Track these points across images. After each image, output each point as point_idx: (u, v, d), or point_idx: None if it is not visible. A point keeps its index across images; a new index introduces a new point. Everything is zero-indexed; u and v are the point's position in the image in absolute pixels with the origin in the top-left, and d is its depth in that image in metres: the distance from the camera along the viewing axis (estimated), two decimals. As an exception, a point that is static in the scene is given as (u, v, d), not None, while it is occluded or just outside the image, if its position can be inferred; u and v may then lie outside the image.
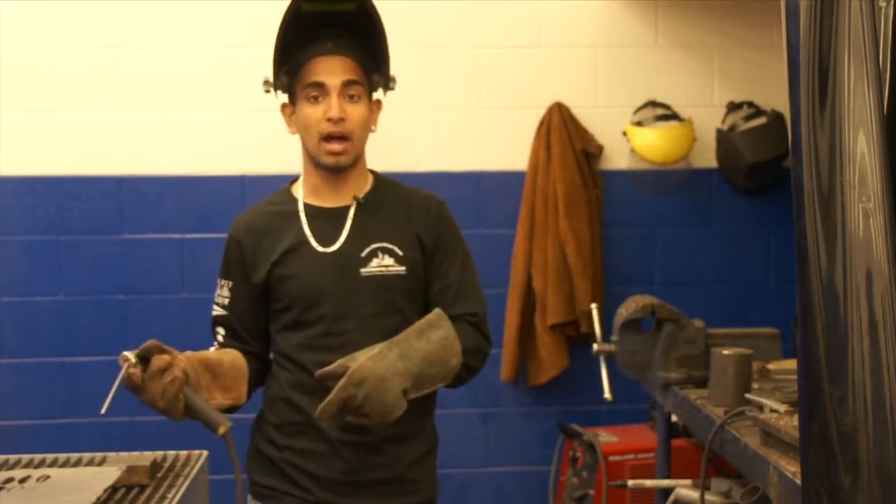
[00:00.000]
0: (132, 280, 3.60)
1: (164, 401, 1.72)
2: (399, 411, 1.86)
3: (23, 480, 1.47)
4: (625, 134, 3.68)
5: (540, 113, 3.68)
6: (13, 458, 1.66)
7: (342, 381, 1.81)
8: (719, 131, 3.73)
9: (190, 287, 3.60)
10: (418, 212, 2.08)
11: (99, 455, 1.65)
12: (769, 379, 2.47)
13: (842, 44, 1.15)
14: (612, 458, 3.27)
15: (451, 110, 3.67)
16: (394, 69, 2.09)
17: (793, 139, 1.19)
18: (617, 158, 3.75)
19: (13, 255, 3.57)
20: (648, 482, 2.71)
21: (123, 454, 1.64)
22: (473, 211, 3.68)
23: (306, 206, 2.06)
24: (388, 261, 2.02)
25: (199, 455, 1.69)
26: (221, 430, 1.71)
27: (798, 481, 1.77)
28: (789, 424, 1.94)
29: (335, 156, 1.99)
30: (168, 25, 3.57)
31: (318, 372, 1.86)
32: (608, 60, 3.72)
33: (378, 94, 2.10)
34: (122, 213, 3.60)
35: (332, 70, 1.98)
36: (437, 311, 1.98)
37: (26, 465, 1.62)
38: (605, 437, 3.39)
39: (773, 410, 2.10)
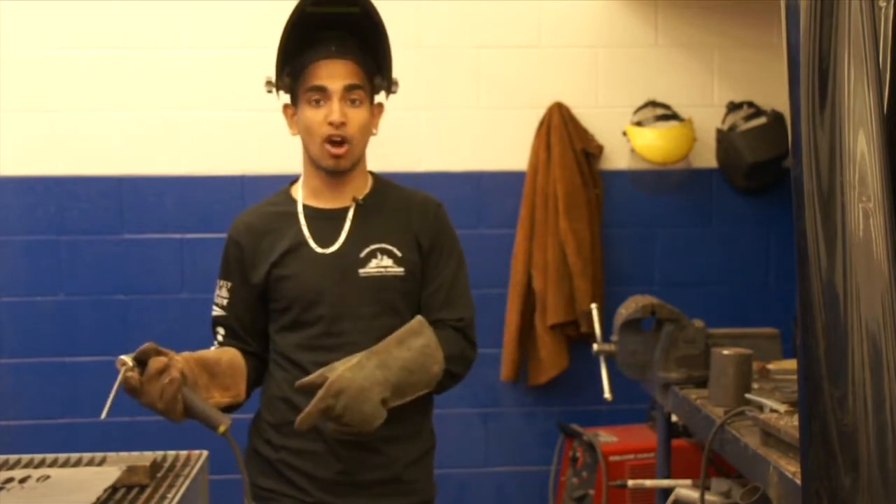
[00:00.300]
0: (132, 280, 3.60)
1: (162, 402, 1.73)
2: (379, 420, 1.87)
3: (23, 480, 1.47)
4: (625, 134, 3.68)
5: (540, 113, 3.68)
6: (13, 458, 1.66)
7: (321, 392, 1.83)
8: (719, 131, 3.73)
9: (190, 287, 3.60)
10: (417, 213, 2.08)
11: (99, 455, 1.64)
12: (769, 379, 2.47)
13: (842, 44, 1.14)
14: (612, 458, 3.27)
15: (451, 110, 3.67)
16: (394, 69, 2.09)
17: (793, 139, 1.19)
18: (617, 158, 3.75)
19: (13, 255, 3.57)
20: (648, 482, 2.71)
21: (123, 454, 1.64)
22: (473, 211, 3.68)
23: (305, 207, 2.06)
24: (387, 262, 2.02)
25: (199, 455, 1.69)
26: (222, 429, 1.71)
27: (798, 481, 1.76)
28: (789, 424, 1.94)
29: (335, 159, 2.00)
30: (168, 25, 3.57)
31: (298, 382, 1.89)
32: (608, 60, 3.71)
33: (380, 98, 2.10)
34: (122, 213, 3.60)
35: (334, 74, 1.98)
36: (418, 318, 1.98)
37: (26, 465, 1.62)
38: (605, 437, 3.39)
39: (773, 410, 2.10)
